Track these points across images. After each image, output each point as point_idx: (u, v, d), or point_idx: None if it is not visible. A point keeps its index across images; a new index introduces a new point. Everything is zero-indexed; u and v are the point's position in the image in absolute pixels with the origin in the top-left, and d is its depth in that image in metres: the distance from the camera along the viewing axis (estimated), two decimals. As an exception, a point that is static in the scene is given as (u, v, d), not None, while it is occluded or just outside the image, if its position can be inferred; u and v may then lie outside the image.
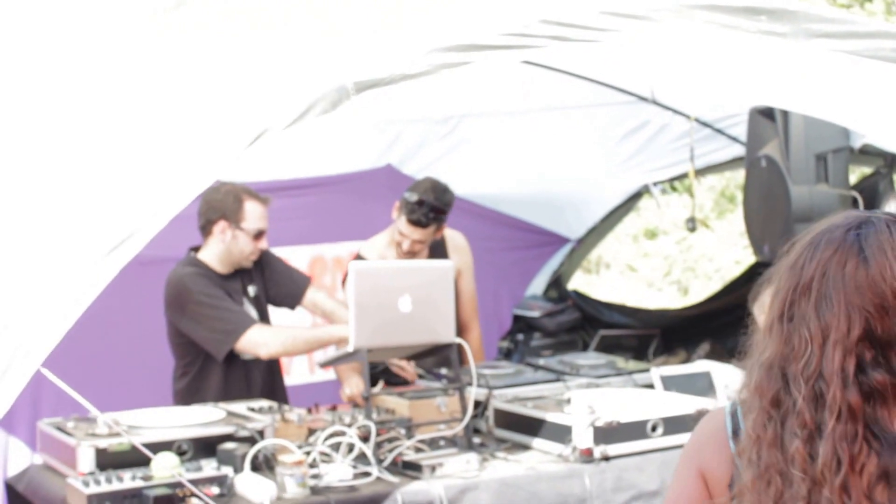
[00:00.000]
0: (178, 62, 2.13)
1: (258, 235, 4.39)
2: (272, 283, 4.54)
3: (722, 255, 12.16)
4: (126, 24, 2.18)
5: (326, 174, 6.02)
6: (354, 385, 4.38)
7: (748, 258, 8.71)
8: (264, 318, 4.50)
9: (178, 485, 3.12)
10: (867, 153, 5.38)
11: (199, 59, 2.14)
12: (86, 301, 1.95)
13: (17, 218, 1.97)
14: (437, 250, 4.98)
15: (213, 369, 4.34)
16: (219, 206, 4.36)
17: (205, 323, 4.25)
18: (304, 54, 2.20)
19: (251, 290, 4.50)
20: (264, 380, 4.47)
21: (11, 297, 1.90)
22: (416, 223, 4.70)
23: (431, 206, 4.68)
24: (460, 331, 4.90)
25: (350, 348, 3.66)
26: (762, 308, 3.98)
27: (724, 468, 1.78)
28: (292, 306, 4.63)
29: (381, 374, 4.63)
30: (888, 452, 1.59)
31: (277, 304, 4.60)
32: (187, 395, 4.35)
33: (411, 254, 4.80)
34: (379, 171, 6.16)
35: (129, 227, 1.99)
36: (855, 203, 5.15)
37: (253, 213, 4.37)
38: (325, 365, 4.03)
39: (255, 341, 4.20)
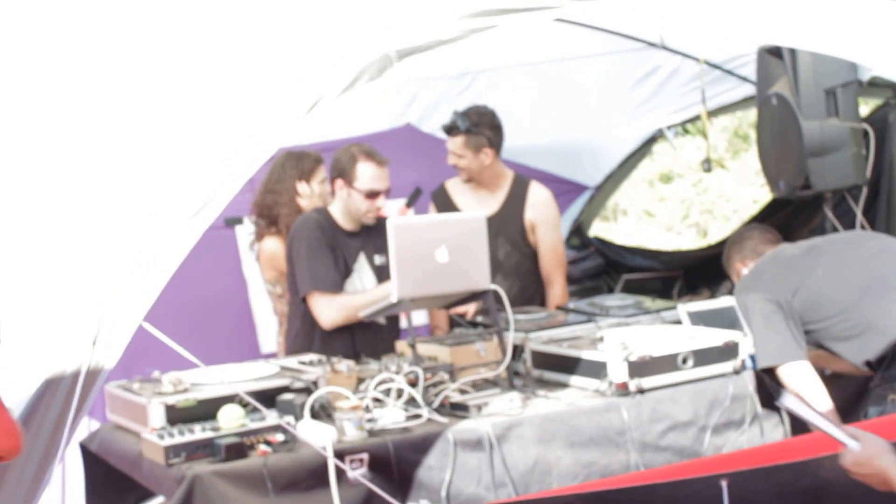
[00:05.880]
0: (236, 41, 2.31)
1: (371, 195, 4.49)
2: None
3: (739, 194, 12.15)
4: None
5: (349, 136, 6.16)
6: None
7: (765, 196, 8.81)
8: None
9: (245, 434, 3.33)
10: (876, 85, 5.43)
11: (254, 37, 2.32)
12: (174, 263, 2.16)
13: (110, 194, 2.17)
14: (516, 204, 5.11)
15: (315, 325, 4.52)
16: (337, 165, 4.53)
17: (296, 265, 4.48)
18: (348, 25, 2.38)
19: (377, 259, 4.60)
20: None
21: (113, 266, 2.10)
22: (445, 130, 5.02)
23: (457, 115, 4.96)
24: (544, 283, 5.09)
25: (393, 299, 3.84)
26: (735, 272, 4.23)
27: None
28: None
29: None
30: None
31: None
32: (296, 347, 4.52)
33: (461, 172, 5.05)
34: (399, 130, 6.30)
35: (206, 195, 2.19)
36: (866, 135, 5.26)
37: (365, 174, 4.47)
38: (368, 317, 4.19)
39: (314, 307, 4.42)
